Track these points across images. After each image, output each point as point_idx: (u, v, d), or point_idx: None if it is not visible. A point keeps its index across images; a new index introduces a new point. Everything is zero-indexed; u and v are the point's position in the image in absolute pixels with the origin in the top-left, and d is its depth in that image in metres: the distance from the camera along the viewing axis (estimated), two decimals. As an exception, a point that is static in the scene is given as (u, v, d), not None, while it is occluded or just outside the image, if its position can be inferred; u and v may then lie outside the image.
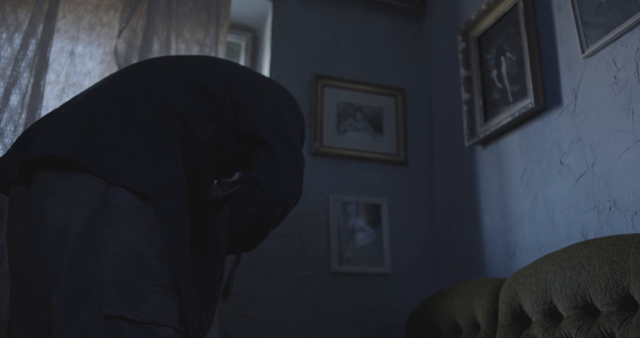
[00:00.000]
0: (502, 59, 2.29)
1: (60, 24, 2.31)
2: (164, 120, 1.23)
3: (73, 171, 1.12)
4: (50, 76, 2.23)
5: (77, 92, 2.28)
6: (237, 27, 2.94)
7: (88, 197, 1.09)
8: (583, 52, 1.81)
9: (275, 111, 1.47)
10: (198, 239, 1.34)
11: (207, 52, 2.47)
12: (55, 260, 1.06)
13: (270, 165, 1.42)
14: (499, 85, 2.29)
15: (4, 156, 1.25)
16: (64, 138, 1.13)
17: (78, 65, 2.32)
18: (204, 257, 1.34)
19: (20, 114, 2.01)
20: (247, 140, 1.44)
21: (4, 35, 2.08)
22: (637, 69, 1.62)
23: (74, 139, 1.13)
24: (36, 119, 2.04)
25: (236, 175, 1.52)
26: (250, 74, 1.54)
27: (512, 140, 2.18)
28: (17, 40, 2.09)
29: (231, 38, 2.93)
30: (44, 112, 2.13)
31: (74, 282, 1.03)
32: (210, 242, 1.37)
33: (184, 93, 1.33)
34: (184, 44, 2.45)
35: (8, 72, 2.03)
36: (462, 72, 2.48)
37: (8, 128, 1.99)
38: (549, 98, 1.99)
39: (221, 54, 2.49)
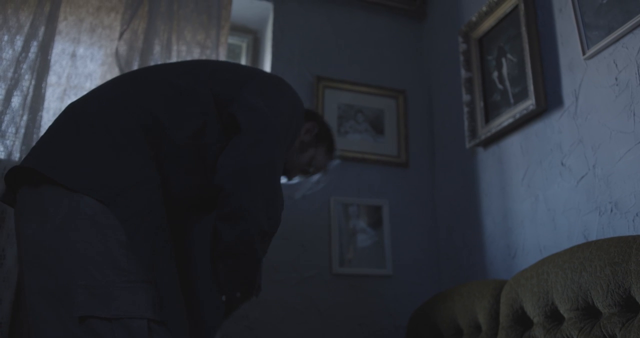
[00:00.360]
0: (503, 60, 2.29)
1: (62, 26, 2.32)
2: (135, 126, 1.25)
3: (41, 184, 1.18)
4: (52, 78, 2.23)
5: (79, 94, 2.28)
6: (238, 29, 2.94)
7: (54, 209, 1.15)
8: (584, 53, 1.81)
9: (259, 97, 1.43)
10: (182, 240, 1.35)
11: (208, 54, 2.47)
12: (29, 272, 1.14)
13: (233, 142, 1.35)
14: (500, 86, 2.29)
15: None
16: (33, 152, 1.22)
17: (79, 67, 2.32)
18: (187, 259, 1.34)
19: (22, 115, 2.01)
20: (232, 130, 1.42)
21: (6, 37, 2.08)
22: (638, 70, 1.62)
23: (39, 151, 1.21)
24: (37, 121, 2.04)
25: None
26: (235, 68, 1.53)
27: (513, 142, 2.18)
28: (19, 42, 2.10)
29: (232, 40, 2.94)
30: (45, 114, 2.13)
31: (50, 291, 1.10)
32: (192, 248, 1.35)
33: (162, 96, 1.35)
34: (185, 46, 2.46)
35: (9, 74, 2.03)
36: (463, 73, 2.48)
37: (10, 130, 1.99)
38: (550, 99, 1.99)
39: (222, 56, 2.50)
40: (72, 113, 1.29)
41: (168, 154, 1.29)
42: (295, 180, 1.89)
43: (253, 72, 1.54)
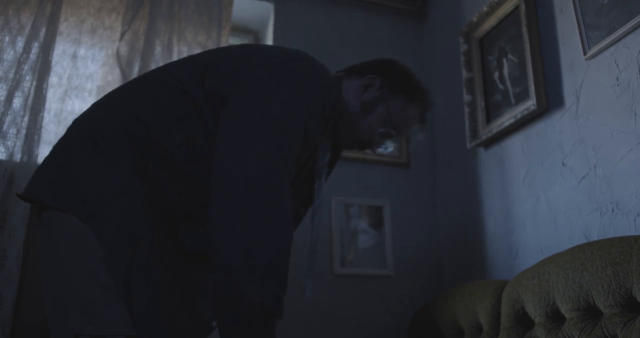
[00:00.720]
0: (504, 60, 2.29)
1: (63, 27, 2.32)
2: (121, 135, 1.21)
3: (42, 209, 1.21)
4: (53, 79, 2.23)
5: (80, 95, 2.30)
6: (239, 30, 2.95)
7: (49, 231, 1.18)
8: (585, 53, 1.80)
9: (252, 91, 1.21)
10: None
11: (209, 54, 2.47)
12: (45, 290, 1.18)
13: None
14: (501, 87, 2.29)
15: None
16: (33, 177, 1.24)
17: (80, 68, 2.33)
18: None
19: (23, 116, 2.01)
20: None
21: (7, 39, 2.08)
22: (639, 70, 1.62)
23: (36, 175, 1.23)
24: (38, 122, 2.05)
25: None
26: (236, 56, 1.32)
27: (515, 142, 2.18)
28: (20, 43, 2.10)
29: (233, 40, 2.94)
30: (46, 115, 2.13)
31: (56, 308, 1.14)
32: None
33: (152, 99, 1.25)
34: (186, 47, 2.46)
35: (11, 75, 2.04)
36: (464, 73, 2.48)
37: (10, 131, 1.99)
38: (551, 100, 1.99)
39: (223, 57, 2.50)
40: (70, 128, 1.27)
41: (161, 161, 1.21)
42: (390, 147, 1.58)
43: (254, 57, 1.31)
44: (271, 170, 1.12)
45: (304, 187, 1.49)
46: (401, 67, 1.55)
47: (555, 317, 1.54)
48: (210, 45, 2.48)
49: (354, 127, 1.46)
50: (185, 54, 2.45)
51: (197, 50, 2.47)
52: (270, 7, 2.81)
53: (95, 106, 1.32)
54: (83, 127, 1.25)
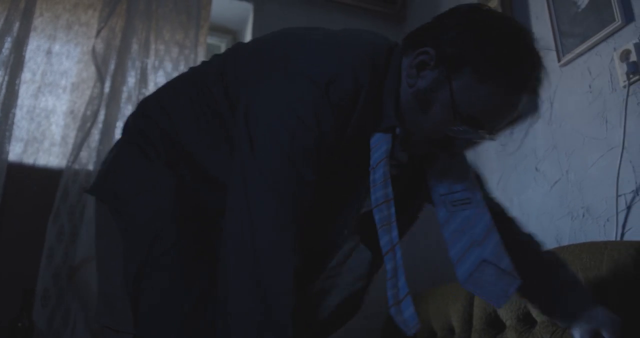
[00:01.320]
0: (480, 65, 2.31)
1: (37, 22, 2.28)
2: (156, 131, 1.18)
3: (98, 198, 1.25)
4: (26, 75, 2.20)
5: (53, 92, 2.26)
6: (218, 29, 2.93)
7: (100, 220, 1.22)
8: (559, 60, 1.83)
9: (263, 104, 1.06)
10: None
11: (187, 53, 2.46)
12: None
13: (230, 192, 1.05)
14: (476, 91, 2.31)
15: None
16: None
17: (55, 65, 2.29)
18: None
19: (-6, 112, 1.98)
20: None
21: (-21, 33, 2.05)
22: (611, 78, 1.65)
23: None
24: (10, 118, 2.01)
25: None
26: (248, 55, 1.17)
27: (489, 146, 2.20)
28: (-8, 38, 2.07)
29: (211, 40, 2.92)
30: (18, 112, 2.10)
31: (98, 297, 1.19)
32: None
33: (185, 95, 1.19)
34: (163, 45, 2.44)
35: (-18, 71, 2.01)
36: (441, 78, 2.49)
37: (-18, 127, 1.96)
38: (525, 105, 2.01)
39: (201, 56, 2.48)
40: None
41: (184, 158, 1.16)
42: (494, 138, 1.15)
43: (263, 55, 1.13)
44: (269, 220, 1.00)
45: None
46: (471, 21, 1.00)
47: (526, 321, 1.56)
48: (188, 44, 2.46)
49: (413, 127, 1.07)
50: (162, 53, 2.43)
51: (174, 49, 2.45)
52: (249, 7, 2.80)
53: (144, 100, 1.31)
54: (128, 122, 1.27)
